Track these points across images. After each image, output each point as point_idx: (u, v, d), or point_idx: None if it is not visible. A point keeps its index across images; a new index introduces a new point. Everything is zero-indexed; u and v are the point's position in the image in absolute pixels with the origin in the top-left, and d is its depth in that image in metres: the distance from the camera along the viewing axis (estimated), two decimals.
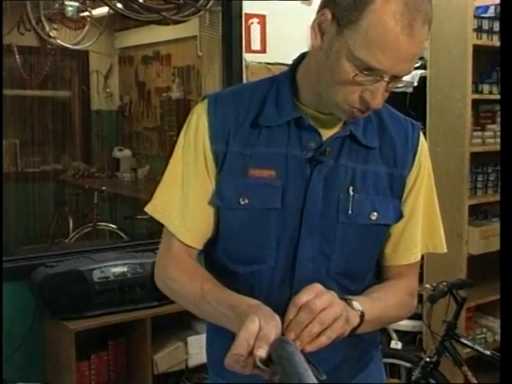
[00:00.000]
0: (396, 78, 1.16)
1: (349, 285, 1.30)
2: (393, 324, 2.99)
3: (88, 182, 5.25)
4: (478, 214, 3.40)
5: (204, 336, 3.15)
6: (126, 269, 2.93)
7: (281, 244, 1.27)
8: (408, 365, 3.04)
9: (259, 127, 1.27)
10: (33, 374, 2.90)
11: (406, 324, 3.34)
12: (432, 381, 2.93)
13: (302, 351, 0.98)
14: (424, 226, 1.37)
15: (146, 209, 1.33)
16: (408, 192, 1.33)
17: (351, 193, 1.27)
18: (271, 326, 0.98)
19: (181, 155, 1.30)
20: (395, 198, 1.31)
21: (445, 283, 2.82)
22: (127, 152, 5.76)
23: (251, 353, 0.95)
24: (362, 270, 1.34)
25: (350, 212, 1.26)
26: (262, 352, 0.94)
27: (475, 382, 2.86)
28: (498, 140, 3.31)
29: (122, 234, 4.65)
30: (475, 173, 3.29)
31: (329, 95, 1.19)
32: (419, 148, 1.34)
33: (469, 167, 3.16)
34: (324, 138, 1.26)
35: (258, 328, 0.97)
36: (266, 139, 1.26)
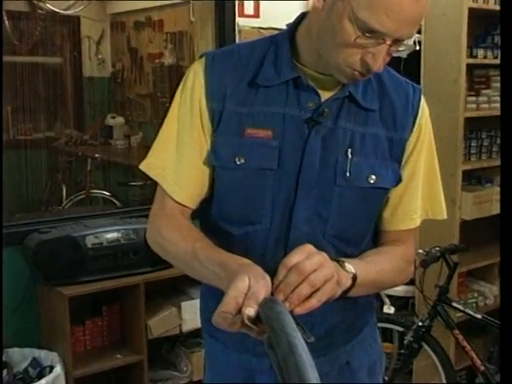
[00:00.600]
0: (398, 41, 1.14)
1: (345, 248, 1.30)
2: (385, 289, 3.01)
3: (81, 150, 5.22)
4: (471, 179, 3.40)
5: (197, 301, 3.18)
6: (119, 235, 2.93)
7: (276, 205, 1.26)
8: (400, 329, 3.07)
9: (257, 86, 1.25)
10: (28, 340, 2.91)
11: (398, 289, 3.36)
12: (424, 344, 2.96)
13: (291, 313, 0.98)
14: (424, 192, 1.36)
15: (140, 166, 1.33)
16: (408, 156, 1.31)
17: (349, 155, 1.26)
18: (261, 285, 0.98)
19: (176, 113, 1.29)
20: (394, 162, 1.30)
21: (437, 248, 2.83)
22: (120, 119, 5.72)
23: (239, 311, 0.95)
24: (359, 234, 1.34)
25: (347, 175, 1.26)
26: (250, 311, 0.93)
27: (466, 345, 2.89)
28: (493, 105, 3.30)
29: (116, 201, 4.64)
30: (469, 138, 3.29)
31: (329, 57, 1.18)
32: (420, 111, 1.32)
33: (463, 132, 3.16)
34: (323, 99, 1.25)
35: (247, 287, 0.97)
36: (263, 99, 1.25)
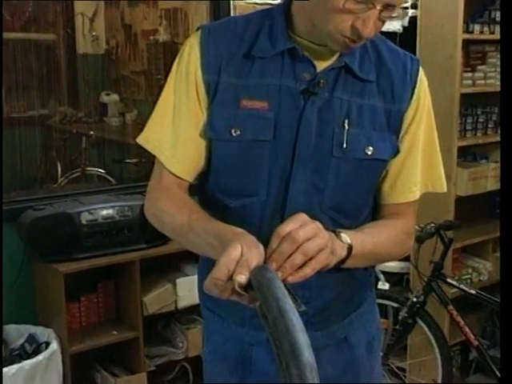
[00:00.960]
0: (389, 6, 1.13)
1: (342, 220, 1.29)
2: (380, 265, 3.02)
3: (75, 127, 5.18)
4: (466, 155, 3.40)
5: (193, 278, 3.20)
6: (114, 211, 2.92)
7: (272, 177, 1.26)
8: (395, 305, 3.09)
9: (252, 58, 1.25)
10: (24, 316, 2.92)
11: (393, 265, 3.37)
12: (418, 320, 2.98)
13: (284, 282, 0.98)
14: (423, 165, 1.35)
15: (137, 139, 1.33)
16: (406, 128, 1.31)
17: (346, 126, 1.25)
18: (253, 253, 0.97)
19: (173, 86, 1.29)
20: (392, 134, 1.29)
21: (432, 224, 2.84)
22: (114, 96, 5.67)
23: (231, 278, 0.94)
24: (356, 206, 1.33)
25: (344, 146, 1.25)
26: (241, 278, 0.93)
27: (460, 320, 2.91)
28: (488, 81, 3.29)
29: (111, 179, 4.63)
30: (464, 114, 3.28)
31: (321, 24, 1.17)
32: (418, 82, 1.31)
33: (458, 109, 3.15)
34: (318, 70, 1.24)
35: (239, 254, 0.96)
36: (259, 70, 1.25)
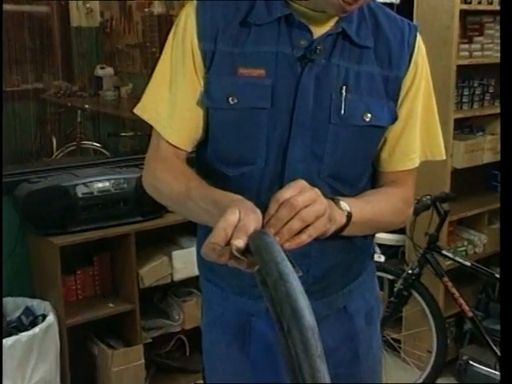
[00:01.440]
0: None
1: (341, 188, 1.29)
2: (375, 238, 3.02)
3: (70, 101, 5.16)
4: (463, 128, 3.39)
5: (188, 250, 3.21)
6: (109, 184, 2.91)
7: (271, 145, 1.25)
8: (390, 277, 3.10)
9: (249, 26, 1.24)
10: (20, 289, 2.93)
11: (388, 238, 3.38)
12: (414, 292, 2.99)
13: (281, 248, 0.97)
14: (422, 132, 1.35)
15: (134, 110, 1.33)
16: (404, 95, 1.30)
17: (344, 93, 1.24)
18: (251, 218, 0.96)
19: (169, 55, 1.29)
20: (390, 101, 1.29)
21: (428, 196, 2.84)
22: (109, 70, 5.63)
23: (228, 243, 0.93)
24: (355, 174, 1.33)
25: (342, 112, 1.25)
26: (239, 242, 0.92)
27: (455, 292, 2.92)
28: (486, 53, 3.26)
29: (106, 152, 4.61)
30: (461, 86, 3.26)
31: None
32: (416, 49, 1.30)
33: (455, 81, 3.13)
34: (315, 36, 1.24)
35: (237, 219, 0.96)
36: (255, 38, 1.24)
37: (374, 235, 1.47)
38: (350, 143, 1.28)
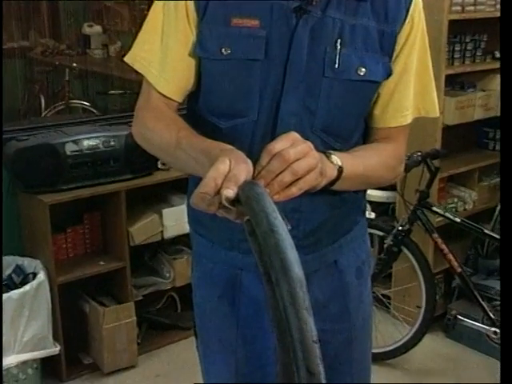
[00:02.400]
0: None
1: (333, 143, 1.28)
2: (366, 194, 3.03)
3: (58, 60, 5.08)
4: (454, 84, 3.37)
5: (179, 208, 3.20)
6: (99, 142, 2.90)
7: (263, 97, 1.24)
8: (380, 233, 3.11)
9: None
10: (10, 248, 2.92)
11: (379, 195, 3.38)
12: (403, 248, 3.01)
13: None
14: (416, 88, 1.33)
15: (125, 59, 1.31)
16: (399, 50, 1.28)
17: (338, 46, 1.23)
18: (242, 168, 0.95)
19: (161, 4, 1.26)
20: (385, 56, 1.27)
21: (419, 153, 2.83)
22: (97, 28, 5.54)
23: (218, 192, 0.93)
24: (348, 129, 1.32)
25: (336, 66, 1.23)
26: (228, 192, 0.91)
27: (445, 248, 2.94)
28: (478, 7, 3.22)
29: (95, 111, 4.57)
30: (453, 42, 3.23)
31: None
32: (412, 4, 1.27)
33: (446, 36, 3.10)
34: None
35: (227, 169, 0.94)
36: None
37: (365, 191, 1.47)
38: (343, 98, 1.27)
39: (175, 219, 3.07)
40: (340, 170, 1.16)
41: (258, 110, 1.25)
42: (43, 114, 4.71)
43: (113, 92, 4.23)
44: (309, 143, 1.04)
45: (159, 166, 3.11)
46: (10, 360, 2.67)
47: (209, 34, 1.23)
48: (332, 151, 1.19)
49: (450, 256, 2.95)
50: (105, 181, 2.91)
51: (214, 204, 0.92)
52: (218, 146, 1.07)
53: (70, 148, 2.83)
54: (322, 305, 1.39)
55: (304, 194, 1.10)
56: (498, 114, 3.36)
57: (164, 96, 1.28)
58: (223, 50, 1.22)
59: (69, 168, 2.83)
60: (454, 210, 3.37)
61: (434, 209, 2.98)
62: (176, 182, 3.12)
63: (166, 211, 3.07)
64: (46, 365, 2.94)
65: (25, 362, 2.75)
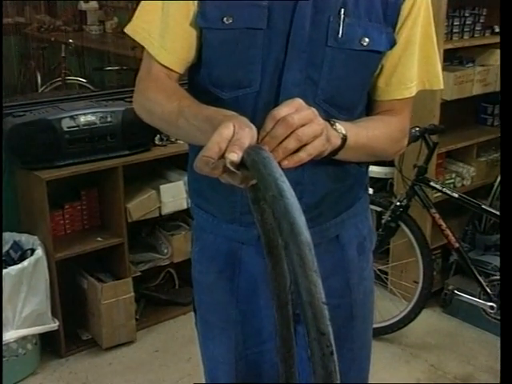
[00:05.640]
0: None
1: (336, 114, 1.26)
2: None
3: (54, 36, 5.04)
4: (452, 59, 3.35)
5: (176, 184, 3.19)
6: (95, 117, 2.88)
7: (266, 67, 1.23)
8: (378, 209, 3.11)
9: None
10: (8, 224, 2.91)
11: (377, 171, 3.38)
12: (401, 224, 3.01)
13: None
14: (420, 61, 1.31)
15: (125, 30, 1.30)
16: (403, 21, 1.26)
17: (342, 16, 1.21)
18: (246, 132, 0.93)
19: None
20: (388, 26, 1.25)
21: (417, 128, 2.83)
22: (93, 4, 5.49)
23: (222, 157, 0.91)
24: (351, 101, 1.30)
25: (339, 36, 1.21)
26: (233, 156, 0.89)
27: (442, 223, 2.94)
28: None
29: (92, 87, 4.54)
30: (452, 16, 3.20)
31: None
32: None
33: (445, 10, 3.07)
34: None
35: (231, 133, 0.93)
36: None
37: (368, 166, 1.46)
38: (346, 68, 1.25)
39: (173, 195, 3.07)
40: (344, 138, 1.16)
41: (261, 80, 1.24)
42: (40, 91, 4.68)
43: (109, 68, 4.20)
44: (313, 110, 1.03)
45: (156, 141, 3.10)
46: (9, 335, 2.68)
47: (210, 3, 1.22)
48: (337, 120, 1.17)
49: (448, 231, 2.95)
50: (102, 157, 2.90)
51: (218, 167, 0.91)
52: (221, 113, 1.06)
53: (66, 124, 2.81)
54: (322, 279, 1.38)
55: (306, 166, 1.10)
56: (497, 90, 3.34)
57: (165, 67, 1.28)
58: (225, 19, 1.21)
59: (66, 144, 2.81)
60: (451, 185, 3.37)
61: (432, 184, 2.98)
62: (174, 158, 3.11)
63: (163, 187, 3.06)
64: (45, 341, 2.96)
65: (24, 338, 2.76)
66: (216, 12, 1.22)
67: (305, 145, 1.00)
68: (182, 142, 3.16)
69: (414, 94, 1.34)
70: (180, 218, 3.27)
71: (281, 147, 0.98)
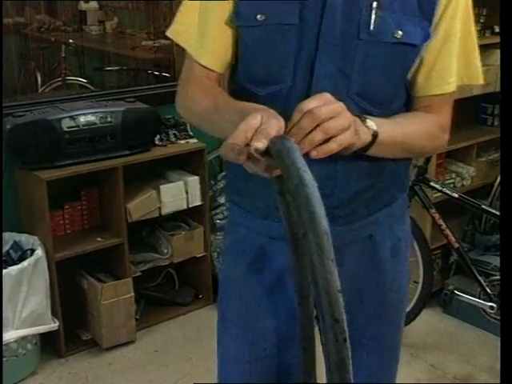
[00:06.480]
0: None
1: (370, 109, 1.26)
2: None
3: (54, 36, 5.05)
4: None
5: (176, 184, 3.20)
6: (95, 117, 2.88)
7: (298, 62, 1.24)
8: None
9: None
10: (8, 224, 2.91)
11: None
12: None
13: (307, 156, 0.98)
14: (459, 55, 1.29)
15: (167, 33, 1.35)
16: (441, 15, 1.25)
17: (374, 8, 1.21)
18: (273, 123, 0.95)
19: None
20: (424, 20, 1.24)
21: None
22: (93, 4, 5.50)
23: (248, 145, 0.94)
24: (385, 95, 1.29)
25: (371, 28, 1.21)
26: (259, 144, 0.92)
27: (442, 223, 2.94)
28: None
29: (92, 88, 4.55)
30: None
31: None
32: None
33: None
34: None
35: (259, 123, 0.95)
36: None
37: (407, 165, 1.43)
38: (379, 61, 1.24)
39: (173, 195, 3.07)
40: (375, 134, 1.15)
41: (293, 75, 1.25)
42: (40, 91, 4.68)
43: (109, 68, 4.20)
44: (341, 104, 1.04)
45: (156, 141, 3.10)
46: (9, 335, 2.68)
47: (244, 2, 1.25)
48: (369, 116, 1.17)
49: (448, 231, 2.95)
50: (102, 157, 2.90)
51: (243, 154, 0.94)
52: (251, 106, 1.09)
53: (66, 124, 2.82)
54: (352, 278, 1.37)
55: (339, 161, 1.12)
56: (497, 90, 3.34)
57: (204, 67, 1.32)
58: (258, 16, 1.24)
59: (66, 144, 2.81)
60: (451, 185, 3.37)
61: (432, 184, 2.98)
62: (174, 158, 3.11)
63: (163, 187, 3.06)
64: (45, 341, 2.96)
65: (24, 338, 2.76)
66: (249, 10, 1.25)
67: (331, 138, 1.01)
68: (182, 142, 3.16)
69: (453, 90, 1.32)
70: (180, 218, 3.27)
71: (307, 139, 1.00)
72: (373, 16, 1.21)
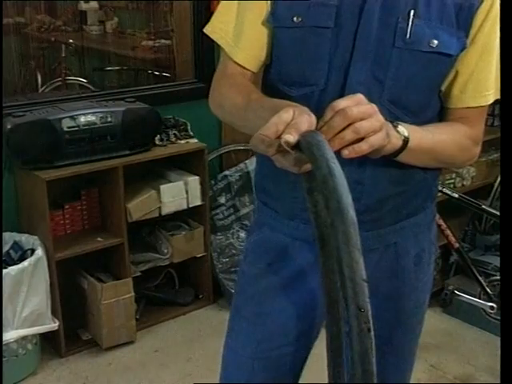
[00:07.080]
0: None
1: (401, 116, 1.25)
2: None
3: (54, 36, 5.05)
4: None
5: (176, 184, 3.20)
6: (96, 118, 2.88)
7: (332, 66, 1.25)
8: None
9: None
10: (8, 224, 2.91)
11: None
12: None
13: (338, 153, 0.98)
14: (498, 69, 1.28)
15: (204, 30, 1.37)
16: (479, 26, 1.23)
17: (411, 17, 1.21)
18: (304, 118, 0.96)
19: None
20: (461, 30, 1.23)
21: None
22: (94, 4, 5.50)
23: (279, 138, 0.94)
24: (418, 103, 1.29)
25: (407, 37, 1.21)
26: (289, 137, 0.92)
27: (442, 223, 2.94)
28: None
29: (92, 88, 4.55)
30: None
31: None
32: None
33: None
34: None
35: (290, 118, 0.96)
36: None
37: (436, 175, 1.43)
38: (413, 69, 1.24)
39: (173, 195, 3.07)
40: (406, 140, 1.16)
41: (327, 78, 1.26)
42: (40, 91, 4.68)
43: (109, 68, 4.21)
44: (374, 105, 1.04)
45: (156, 141, 3.10)
46: (9, 335, 2.68)
47: (281, 3, 1.26)
48: (401, 123, 1.18)
49: (448, 232, 2.95)
50: (102, 157, 2.90)
51: (273, 146, 0.95)
52: (285, 103, 1.10)
53: (66, 124, 2.81)
54: (373, 283, 1.38)
55: (368, 166, 1.13)
56: None
57: (239, 65, 1.33)
58: (295, 18, 1.25)
59: (66, 144, 2.81)
60: (451, 185, 3.37)
61: None
62: (173, 158, 3.11)
63: (163, 187, 3.06)
64: (46, 341, 2.96)
65: (24, 338, 2.76)
66: (286, 11, 1.26)
67: (362, 139, 1.01)
68: (182, 142, 3.16)
69: (490, 103, 1.30)
70: (180, 218, 3.27)
71: (338, 137, 1.00)
72: (410, 24, 1.21)
